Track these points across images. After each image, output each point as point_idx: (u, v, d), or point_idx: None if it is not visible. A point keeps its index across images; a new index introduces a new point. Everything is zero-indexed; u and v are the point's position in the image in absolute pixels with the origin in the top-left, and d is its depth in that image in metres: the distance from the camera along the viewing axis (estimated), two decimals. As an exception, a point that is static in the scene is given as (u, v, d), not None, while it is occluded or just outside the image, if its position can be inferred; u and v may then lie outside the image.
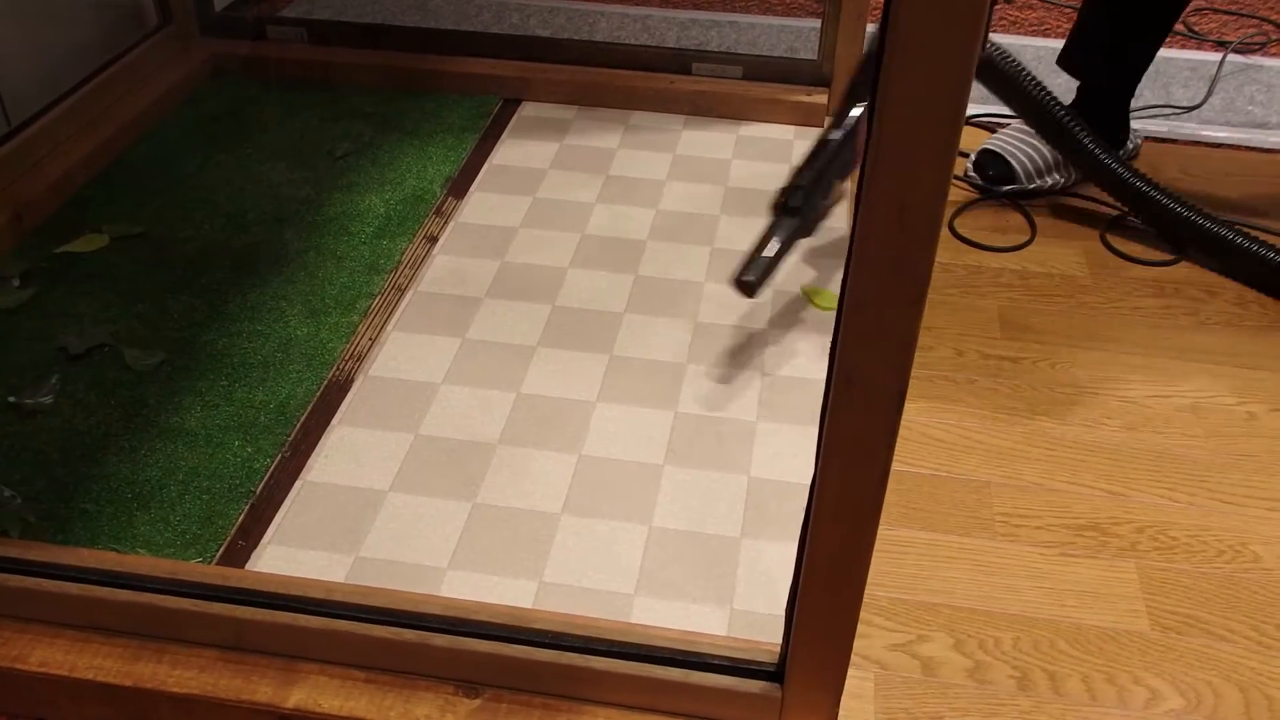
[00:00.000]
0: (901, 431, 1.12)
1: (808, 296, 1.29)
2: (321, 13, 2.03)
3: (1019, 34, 2.00)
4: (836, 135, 1.20)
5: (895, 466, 1.08)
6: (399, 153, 1.55)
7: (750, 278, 1.16)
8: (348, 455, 1.06)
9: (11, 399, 1.12)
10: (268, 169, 1.51)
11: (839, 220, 1.42)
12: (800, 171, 1.20)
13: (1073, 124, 1.36)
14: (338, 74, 1.73)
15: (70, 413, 1.11)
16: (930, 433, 1.12)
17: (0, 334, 1.20)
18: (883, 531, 1.01)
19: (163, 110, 1.63)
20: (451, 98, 1.70)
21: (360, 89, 1.71)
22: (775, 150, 1.59)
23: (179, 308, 1.25)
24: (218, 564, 0.94)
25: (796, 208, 1.16)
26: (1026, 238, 1.43)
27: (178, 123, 1.61)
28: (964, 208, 1.48)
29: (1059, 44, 1.92)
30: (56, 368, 1.16)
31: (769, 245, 1.17)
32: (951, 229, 1.43)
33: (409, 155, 1.54)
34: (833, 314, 1.26)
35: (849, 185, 1.27)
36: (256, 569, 0.94)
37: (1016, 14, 2.06)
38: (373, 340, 1.21)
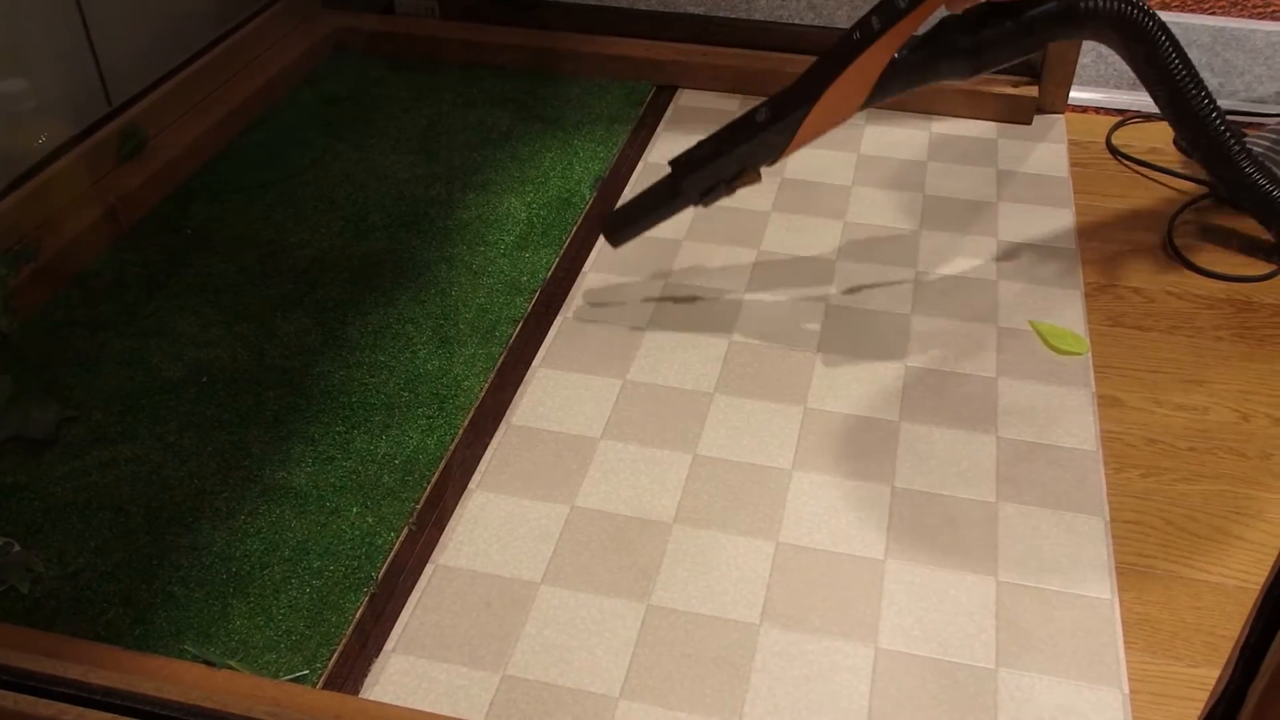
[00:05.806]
0: (1192, 526, 0.87)
1: (1040, 335, 1.05)
2: (451, -15, 1.83)
3: None
4: (763, 117, 1.02)
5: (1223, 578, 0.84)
6: (541, 146, 1.34)
7: (614, 234, 1.08)
8: (489, 531, 0.86)
9: (91, 437, 0.94)
10: (393, 162, 1.31)
11: (1062, 238, 1.17)
12: (704, 143, 1.03)
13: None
14: (472, 53, 1.53)
15: (160, 459, 0.92)
16: (1228, 528, 0.87)
17: (87, 354, 1.03)
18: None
19: (277, 92, 1.44)
20: (599, 83, 1.49)
21: (497, 71, 1.51)
22: (977, 151, 1.35)
23: (289, 329, 1.06)
24: (328, 681, 0.74)
25: (680, 180, 1.03)
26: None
27: (294, 107, 1.43)
28: (1180, 211, 1.21)
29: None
30: (146, 399, 0.98)
31: (644, 203, 1.06)
32: (1174, 250, 1.16)
33: (552, 150, 1.34)
34: (1071, 359, 1.02)
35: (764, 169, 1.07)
36: (377, 690, 0.74)
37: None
38: (516, 379, 1.00)
